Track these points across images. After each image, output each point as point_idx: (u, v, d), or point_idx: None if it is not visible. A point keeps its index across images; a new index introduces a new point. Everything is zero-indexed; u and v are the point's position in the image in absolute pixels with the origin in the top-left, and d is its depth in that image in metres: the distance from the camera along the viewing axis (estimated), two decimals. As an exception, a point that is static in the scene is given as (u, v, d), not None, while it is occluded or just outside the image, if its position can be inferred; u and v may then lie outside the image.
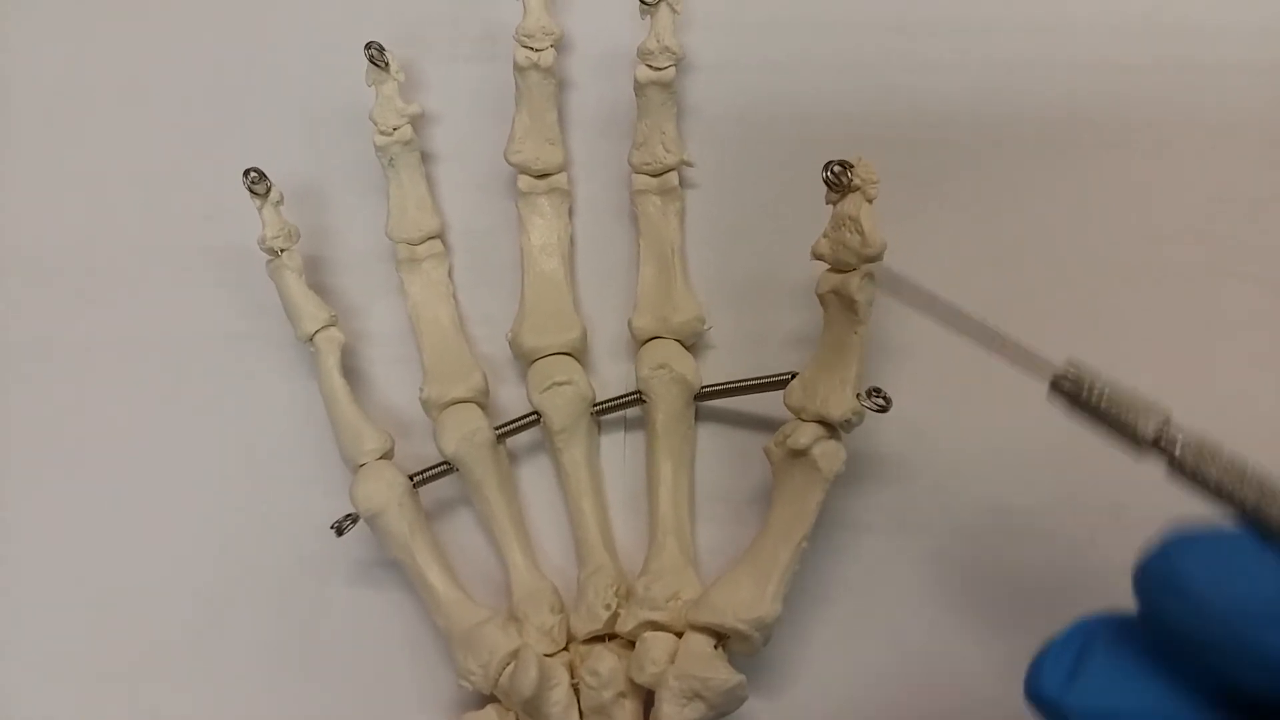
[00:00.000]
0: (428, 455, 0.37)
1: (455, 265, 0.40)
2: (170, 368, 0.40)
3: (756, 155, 0.40)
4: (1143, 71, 0.40)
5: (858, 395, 0.32)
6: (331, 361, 0.36)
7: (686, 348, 0.37)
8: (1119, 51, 0.40)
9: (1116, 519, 0.35)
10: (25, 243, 0.42)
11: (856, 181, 0.31)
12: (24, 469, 0.40)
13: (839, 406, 0.32)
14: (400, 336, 0.40)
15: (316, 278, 0.40)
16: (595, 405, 0.37)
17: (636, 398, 0.37)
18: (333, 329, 0.37)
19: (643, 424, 0.38)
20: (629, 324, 0.38)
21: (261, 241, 0.36)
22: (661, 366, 0.36)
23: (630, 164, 0.39)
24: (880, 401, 0.32)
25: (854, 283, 0.31)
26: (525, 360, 0.37)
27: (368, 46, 0.37)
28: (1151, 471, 0.36)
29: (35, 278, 0.42)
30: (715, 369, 0.38)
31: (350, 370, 0.38)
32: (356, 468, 0.35)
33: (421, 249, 0.39)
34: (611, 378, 0.39)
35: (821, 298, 0.33)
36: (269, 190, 0.36)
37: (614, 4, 0.41)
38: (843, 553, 0.36)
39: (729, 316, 0.39)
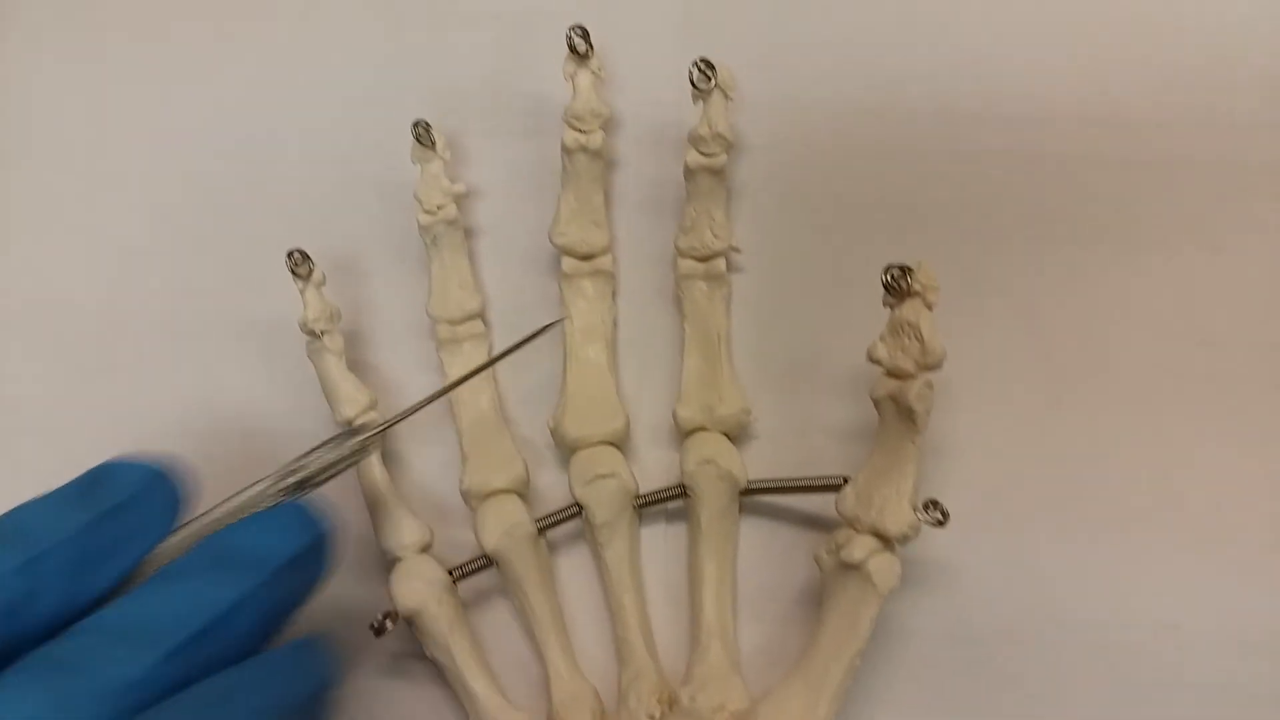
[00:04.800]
0: (465, 541, 0.37)
1: (495, 344, 0.39)
2: (195, 447, 0.39)
3: (804, 239, 0.39)
4: (1201, 167, 0.39)
5: (915, 508, 0.31)
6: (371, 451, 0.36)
7: (731, 439, 0.37)
8: (1176, 146, 0.39)
9: (1174, 634, 0.35)
10: (48, 309, 0.41)
11: (916, 287, 0.31)
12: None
13: (896, 521, 0.31)
14: (438, 415, 0.39)
15: (352, 353, 0.39)
16: (638, 498, 0.36)
17: (680, 492, 0.36)
18: (372, 413, 0.36)
19: (684, 514, 0.37)
20: (673, 414, 0.37)
21: (303, 324, 0.35)
22: (707, 462, 0.35)
23: (676, 247, 0.38)
24: (938, 515, 0.31)
25: (912, 391, 0.30)
26: (567, 450, 0.37)
27: (415, 125, 0.36)
28: (1212, 589, 0.35)
29: (56, 346, 0.41)
30: (759, 459, 0.37)
31: (386, 450, 0.37)
32: (394, 561, 0.35)
33: (463, 329, 0.38)
34: (653, 464, 0.38)
35: (877, 402, 0.32)
36: (311, 272, 0.35)
37: (662, 79, 0.40)
38: (889, 659, 0.35)
39: (774, 405, 0.38)
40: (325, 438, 0.33)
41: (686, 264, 0.38)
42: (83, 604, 0.26)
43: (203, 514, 0.30)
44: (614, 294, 0.39)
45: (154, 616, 0.25)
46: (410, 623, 0.34)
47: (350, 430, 0.34)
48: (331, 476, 0.32)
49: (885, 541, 0.31)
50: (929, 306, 0.31)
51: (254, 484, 0.31)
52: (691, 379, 0.37)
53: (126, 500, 0.28)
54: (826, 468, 0.37)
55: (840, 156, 0.40)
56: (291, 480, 0.31)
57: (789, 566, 0.36)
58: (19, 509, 0.27)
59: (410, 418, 0.38)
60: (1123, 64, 0.40)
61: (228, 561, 0.27)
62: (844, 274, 0.39)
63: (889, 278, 0.31)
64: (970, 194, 0.39)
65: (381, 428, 0.33)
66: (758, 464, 0.37)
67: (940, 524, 0.31)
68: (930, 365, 0.30)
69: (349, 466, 0.33)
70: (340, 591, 0.37)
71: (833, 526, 0.36)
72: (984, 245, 0.39)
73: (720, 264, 0.37)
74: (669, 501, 0.36)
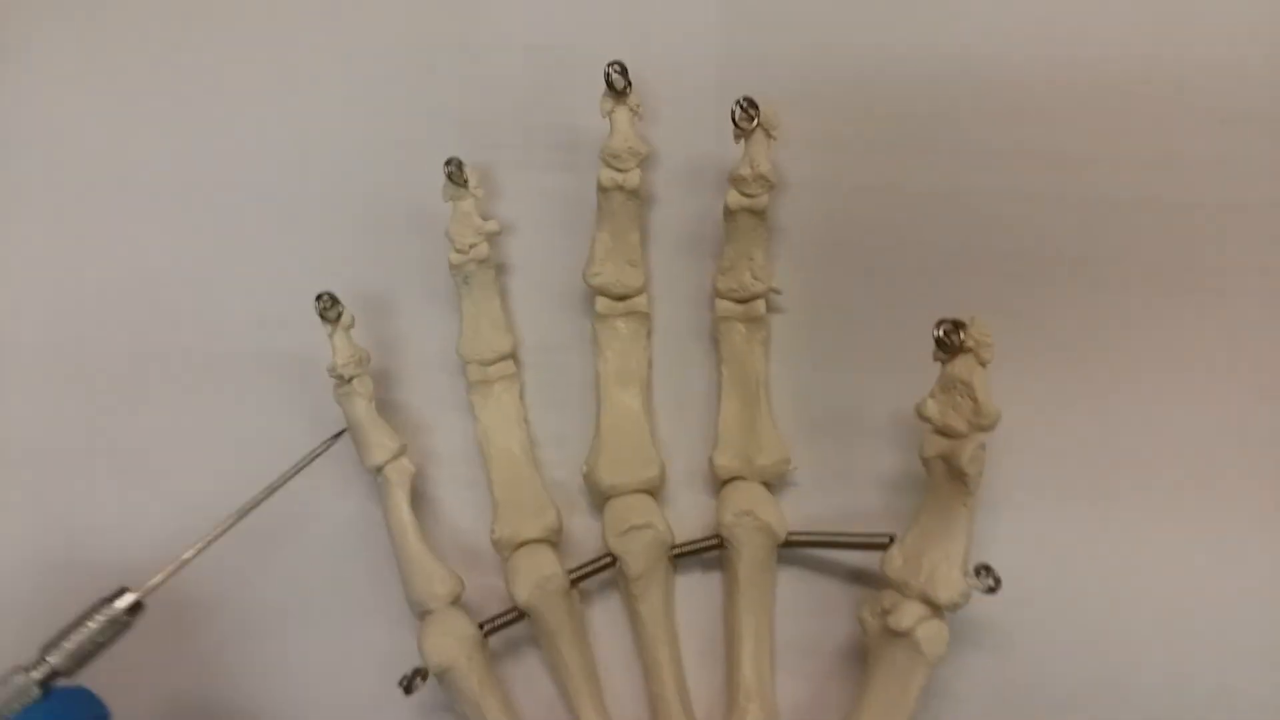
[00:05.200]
0: (495, 588, 0.36)
1: (527, 382, 0.39)
2: (218, 484, 0.37)
3: (847, 281, 0.38)
4: (1259, 210, 0.37)
5: (965, 574, 0.30)
6: (401, 495, 0.35)
7: (769, 488, 0.35)
8: (1233, 189, 0.37)
9: (1230, 700, 0.33)
10: (70, 342, 0.40)
11: (969, 343, 0.29)
12: (61, 586, 0.37)
13: (947, 588, 0.30)
14: (468, 456, 0.38)
15: (381, 392, 0.38)
16: (673, 548, 0.35)
17: (717, 543, 0.35)
18: (402, 459, 0.35)
19: (719, 562, 0.36)
20: (710, 461, 0.36)
21: (332, 369, 0.35)
22: (745, 513, 0.34)
23: (715, 288, 0.37)
24: (990, 582, 0.30)
25: (965, 454, 0.29)
26: (600, 497, 0.36)
27: (447, 163, 0.35)
28: (1269, 660, 0.34)
29: (79, 381, 0.40)
30: (798, 509, 0.36)
31: (416, 492, 0.36)
32: (424, 613, 0.34)
33: (494, 370, 0.37)
34: (688, 510, 0.37)
35: (926, 461, 0.31)
36: (340, 315, 0.34)
37: (700, 114, 0.39)
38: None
39: (814, 453, 0.37)
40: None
41: (725, 305, 0.36)
42: None
43: None
44: (649, 335, 0.38)
45: None
46: (440, 679, 0.33)
47: (110, 599, 0.30)
48: (94, 655, 0.29)
49: (934, 608, 0.30)
50: (983, 364, 0.29)
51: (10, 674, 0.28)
52: (729, 425, 0.36)
53: None
54: (868, 519, 0.36)
55: (885, 196, 0.38)
56: (44, 670, 0.28)
57: (828, 621, 0.35)
58: None
59: (441, 453, 0.38)
60: (1181, 105, 0.38)
61: None
62: (888, 318, 0.37)
63: (941, 332, 0.30)
64: (1021, 237, 0.38)
65: (148, 590, 0.30)
66: (796, 513, 0.36)
67: (992, 591, 0.30)
68: (984, 426, 0.29)
69: (116, 638, 0.29)
70: (367, 640, 0.36)
71: (874, 581, 0.35)
72: (1035, 291, 0.37)
73: (760, 306, 0.36)
74: (706, 552, 0.35)
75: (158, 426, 0.39)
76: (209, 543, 0.32)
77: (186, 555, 0.32)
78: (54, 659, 0.28)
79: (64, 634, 0.29)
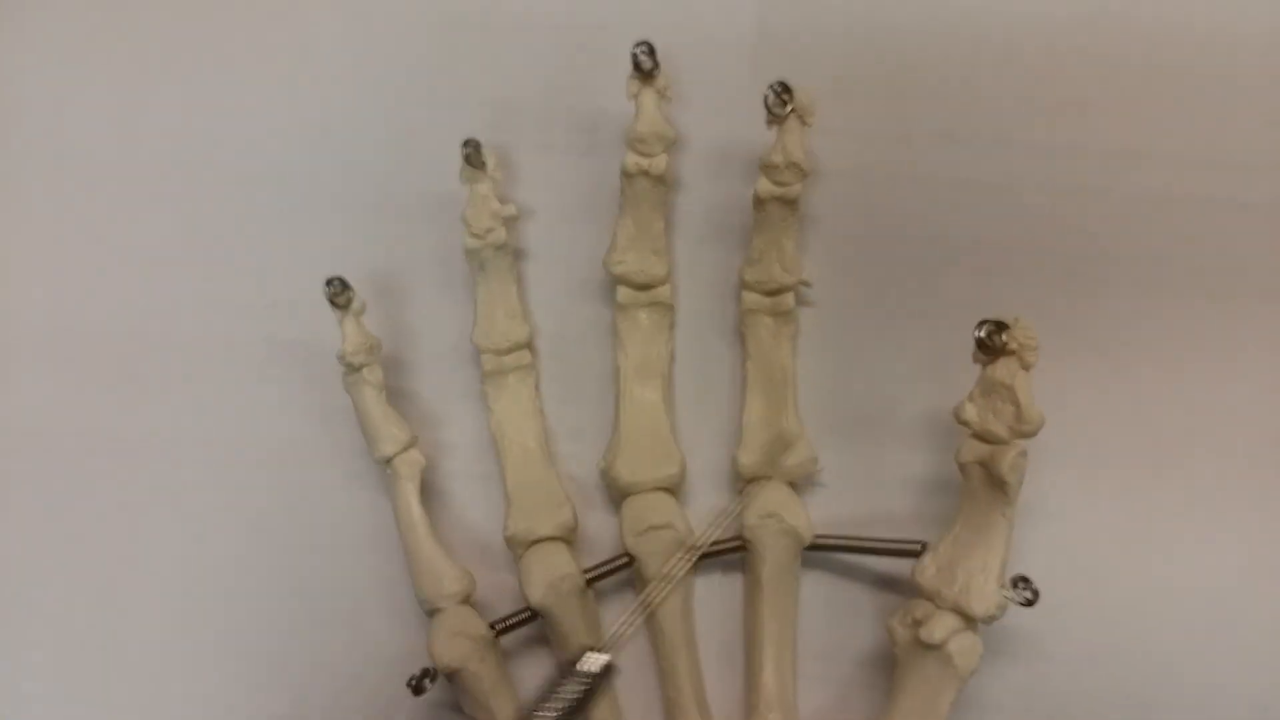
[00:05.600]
0: (507, 585, 0.35)
1: (543, 373, 0.37)
2: (223, 475, 0.37)
3: (880, 275, 0.37)
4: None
5: (1002, 585, 0.29)
6: (410, 488, 0.33)
7: (794, 489, 0.34)
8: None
9: (1264, 716, 0.32)
10: (72, 328, 0.39)
11: (1013, 345, 0.28)
12: (64, 576, 0.37)
13: (983, 601, 0.28)
14: (481, 448, 0.37)
15: (391, 381, 0.36)
16: (693, 550, 0.34)
17: (739, 545, 0.34)
18: (413, 450, 0.34)
19: (740, 564, 0.35)
20: (733, 460, 0.34)
21: (341, 356, 0.33)
22: (770, 515, 0.33)
23: (742, 280, 0.35)
24: (1028, 595, 0.28)
25: (1006, 461, 0.28)
26: (618, 494, 0.34)
27: (465, 144, 0.34)
28: None
29: (84, 365, 0.39)
30: (823, 510, 0.35)
31: (426, 485, 0.35)
32: (433, 611, 0.33)
33: (509, 359, 0.36)
34: (708, 509, 0.35)
35: (963, 467, 0.30)
36: (351, 301, 0.33)
37: (730, 97, 0.37)
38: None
39: (841, 452, 0.35)
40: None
41: (752, 298, 0.35)
42: None
43: None
44: (672, 327, 0.36)
45: None
46: (450, 679, 0.32)
47: (581, 670, 0.31)
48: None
49: (968, 620, 0.29)
50: (1026, 368, 0.28)
51: None
52: (754, 422, 0.35)
53: None
54: (897, 523, 0.35)
55: (922, 188, 0.37)
56: None
57: (853, 627, 0.34)
58: None
59: (453, 444, 0.37)
60: (1231, 103, 0.36)
61: None
62: (922, 315, 0.36)
63: (983, 334, 0.28)
64: (1063, 233, 0.36)
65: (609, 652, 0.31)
66: (821, 515, 0.34)
67: (1029, 604, 0.28)
68: (1027, 433, 0.28)
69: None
70: (374, 637, 0.35)
71: (902, 588, 0.34)
72: (1078, 291, 0.36)
73: (788, 299, 0.35)
74: (727, 554, 0.34)
75: (164, 411, 0.38)
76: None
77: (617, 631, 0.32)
78: None
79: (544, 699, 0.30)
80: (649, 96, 0.34)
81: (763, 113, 0.33)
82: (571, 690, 0.29)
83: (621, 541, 0.34)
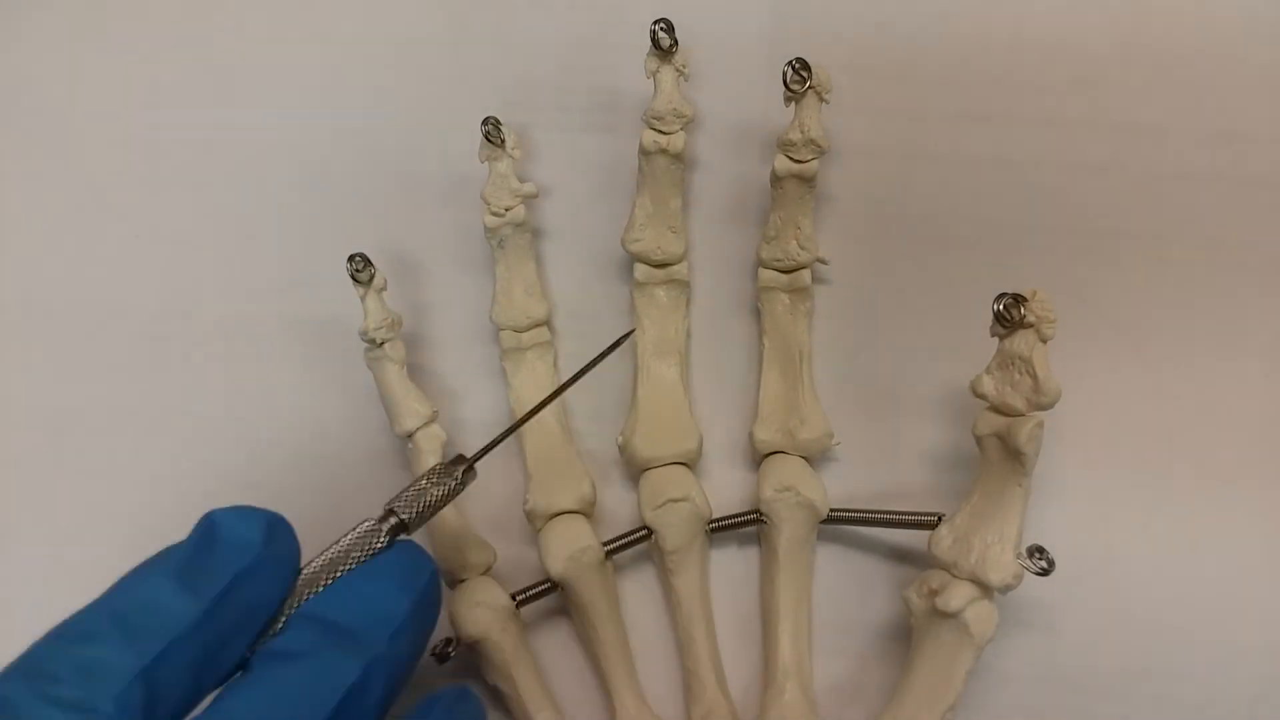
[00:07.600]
0: (525, 558, 0.35)
1: (561, 350, 0.38)
2: (248, 449, 0.38)
3: (896, 252, 0.37)
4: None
5: (1018, 555, 0.29)
6: (432, 463, 0.34)
7: (811, 463, 0.34)
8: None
9: (1263, 696, 0.32)
10: (95, 306, 0.40)
11: (1030, 318, 0.28)
12: (85, 553, 0.37)
13: (999, 570, 0.29)
14: (500, 424, 0.37)
15: (412, 358, 0.37)
16: (711, 523, 0.34)
17: (756, 518, 0.34)
18: (434, 426, 0.34)
19: (756, 537, 0.35)
20: (750, 435, 0.35)
21: (363, 333, 0.34)
22: (786, 488, 0.33)
23: (759, 257, 0.35)
24: (1044, 564, 0.29)
25: (1023, 432, 0.28)
26: (636, 469, 0.35)
27: (484, 122, 0.34)
28: None
29: (107, 343, 0.39)
30: (839, 483, 0.35)
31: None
32: (456, 582, 0.33)
33: (527, 337, 0.36)
34: (726, 484, 0.36)
35: (980, 439, 0.30)
36: (373, 278, 0.33)
37: (747, 74, 0.38)
38: (981, 705, 0.33)
39: (857, 427, 0.36)
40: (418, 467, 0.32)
41: (768, 275, 0.35)
42: (200, 697, 0.24)
43: (303, 568, 0.27)
44: (689, 304, 0.37)
45: (283, 708, 0.23)
46: (471, 649, 0.33)
47: (448, 465, 0.30)
48: (432, 515, 0.29)
49: (984, 589, 0.29)
50: (1044, 340, 0.28)
51: (350, 531, 0.28)
52: (770, 398, 0.35)
53: (244, 570, 0.25)
54: (913, 496, 0.35)
55: (940, 165, 0.37)
56: (391, 522, 0.28)
57: (869, 599, 0.35)
58: (125, 588, 0.24)
59: (472, 421, 0.37)
60: (1250, 78, 0.37)
61: (345, 629, 0.25)
62: (938, 291, 0.36)
63: (1000, 307, 0.28)
64: (1080, 210, 0.36)
65: (479, 454, 0.30)
66: (838, 488, 0.35)
67: (1045, 573, 0.29)
68: (1044, 405, 0.28)
69: (449, 500, 0.29)
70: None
71: (917, 560, 0.34)
72: (1094, 266, 0.36)
73: (805, 276, 0.35)
74: (744, 527, 0.35)
75: (186, 389, 0.39)
76: (534, 411, 0.32)
77: (502, 432, 0.31)
78: (402, 513, 0.28)
79: (405, 492, 0.28)
80: (667, 74, 0.34)
81: (780, 91, 0.33)
82: (434, 488, 0.29)
83: (640, 514, 0.34)
